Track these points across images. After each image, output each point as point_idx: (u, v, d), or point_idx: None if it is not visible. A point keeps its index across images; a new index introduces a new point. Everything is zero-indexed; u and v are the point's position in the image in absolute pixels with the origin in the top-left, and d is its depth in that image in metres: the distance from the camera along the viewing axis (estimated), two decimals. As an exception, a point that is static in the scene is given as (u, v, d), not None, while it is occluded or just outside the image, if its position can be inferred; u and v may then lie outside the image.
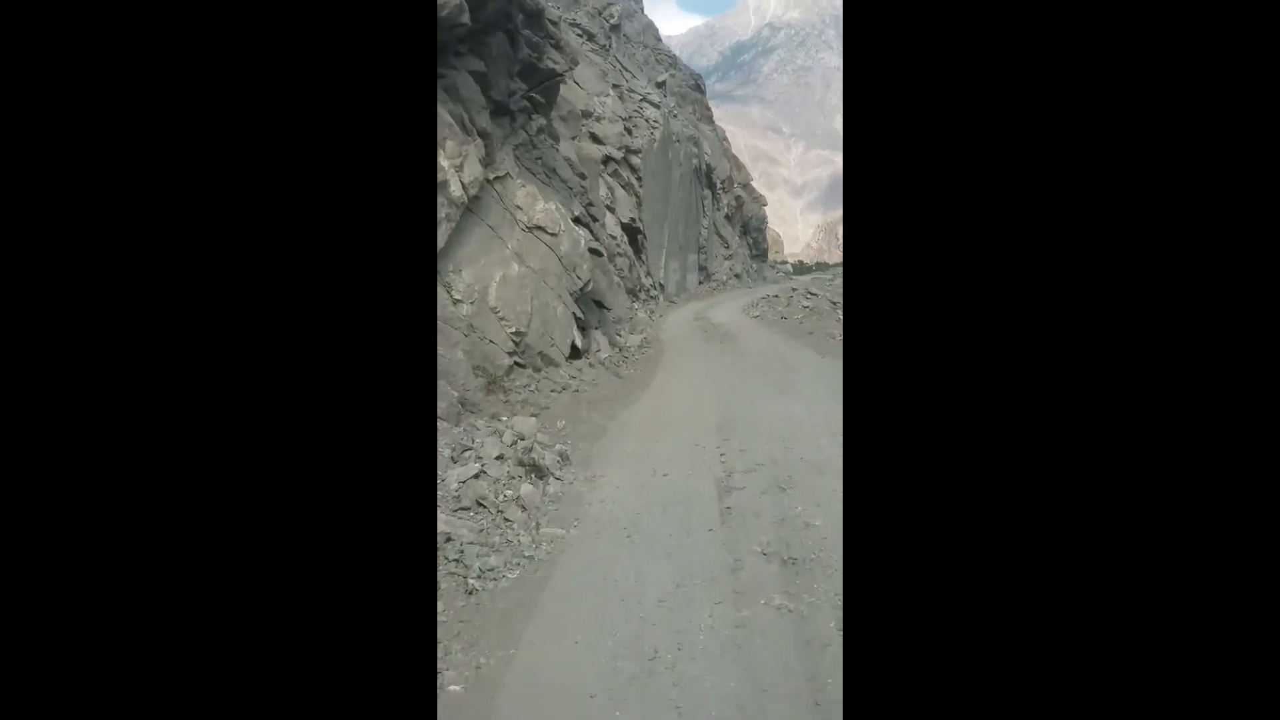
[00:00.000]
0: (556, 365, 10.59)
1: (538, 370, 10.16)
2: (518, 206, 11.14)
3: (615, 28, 29.02)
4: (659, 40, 37.05)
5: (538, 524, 5.11)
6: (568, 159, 13.16)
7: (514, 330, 10.15)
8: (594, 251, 13.19)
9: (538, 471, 5.88)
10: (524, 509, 5.25)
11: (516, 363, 10.06)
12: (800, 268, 49.76)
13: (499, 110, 11.18)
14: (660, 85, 30.19)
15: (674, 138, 25.86)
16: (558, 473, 6.07)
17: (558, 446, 7.00)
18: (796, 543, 4.68)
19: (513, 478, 5.71)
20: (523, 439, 6.70)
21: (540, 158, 12.23)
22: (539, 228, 11.26)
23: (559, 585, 4.31)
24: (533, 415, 8.13)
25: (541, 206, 11.42)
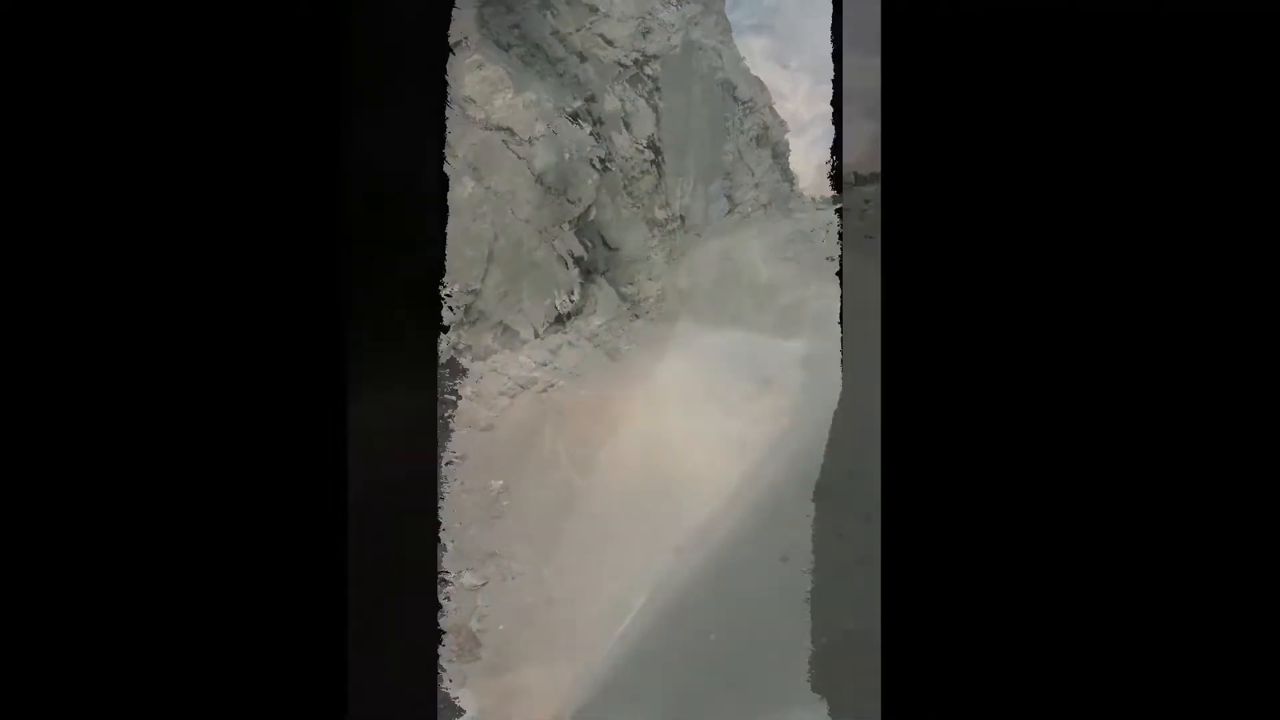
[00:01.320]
0: (522, 342, 6.33)
1: (488, 356, 5.90)
2: (469, 99, 6.66)
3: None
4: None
5: None
6: (557, 33, 8.52)
7: (456, 289, 5.86)
8: (598, 165, 8.72)
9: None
10: None
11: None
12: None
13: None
14: (682, -8, 24.79)
15: (696, 46, 20.76)
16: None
17: (463, 582, 2.83)
18: None
19: None
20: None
21: (518, 25, 7.63)
22: (503, 128, 6.81)
23: None
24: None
25: (510, 98, 6.94)
